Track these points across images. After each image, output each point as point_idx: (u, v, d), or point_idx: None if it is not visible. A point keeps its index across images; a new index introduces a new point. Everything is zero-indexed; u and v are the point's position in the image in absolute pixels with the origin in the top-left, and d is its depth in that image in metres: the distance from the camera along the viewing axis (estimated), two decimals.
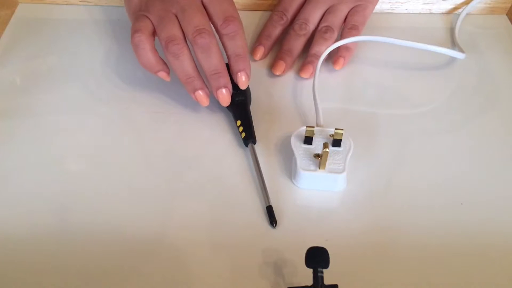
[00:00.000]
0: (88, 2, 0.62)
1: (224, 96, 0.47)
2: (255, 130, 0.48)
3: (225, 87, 0.47)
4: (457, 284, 0.40)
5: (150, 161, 0.47)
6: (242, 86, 0.48)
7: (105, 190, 0.45)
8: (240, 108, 0.49)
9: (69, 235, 0.42)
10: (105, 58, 0.56)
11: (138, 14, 0.47)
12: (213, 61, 0.46)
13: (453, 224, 0.43)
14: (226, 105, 0.48)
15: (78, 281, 0.39)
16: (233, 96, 0.48)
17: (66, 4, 0.62)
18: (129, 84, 0.53)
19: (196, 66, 0.47)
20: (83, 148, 0.48)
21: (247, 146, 0.47)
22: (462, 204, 0.44)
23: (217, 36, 0.47)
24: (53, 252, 0.41)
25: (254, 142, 0.47)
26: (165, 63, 0.48)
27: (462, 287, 0.40)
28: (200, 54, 0.45)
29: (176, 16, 0.46)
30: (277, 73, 0.54)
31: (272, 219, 0.42)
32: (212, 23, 0.47)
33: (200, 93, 0.47)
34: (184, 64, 0.46)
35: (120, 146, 0.48)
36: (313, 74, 0.52)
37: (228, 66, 0.48)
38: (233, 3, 0.48)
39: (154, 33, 0.47)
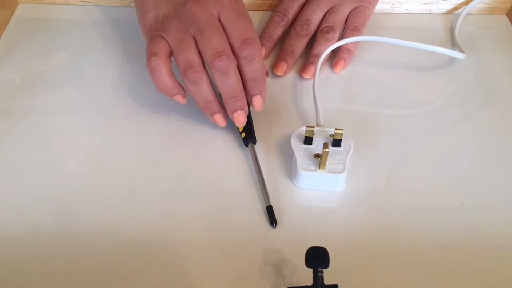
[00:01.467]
0: (88, 2, 0.62)
1: (240, 117, 0.46)
2: (255, 130, 0.48)
3: (242, 109, 0.46)
4: (457, 284, 0.40)
5: (150, 161, 0.47)
6: (257, 109, 0.47)
7: (105, 191, 0.45)
8: None
9: (69, 236, 0.42)
10: (105, 58, 0.56)
11: (154, 34, 0.46)
12: (231, 84, 0.45)
13: (453, 224, 0.43)
14: (242, 126, 0.47)
15: (78, 282, 0.39)
16: None
17: (66, 4, 0.62)
18: (129, 84, 0.53)
19: (214, 90, 0.46)
20: (83, 148, 0.48)
21: (247, 146, 0.47)
22: (462, 204, 0.44)
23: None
24: (53, 253, 0.41)
25: (254, 142, 0.47)
26: (181, 87, 0.46)
27: (462, 287, 0.40)
28: (218, 78, 0.44)
29: (194, 37, 0.45)
30: (279, 74, 0.54)
31: (272, 219, 0.42)
32: (229, 43, 0.45)
33: (218, 117, 0.47)
34: (203, 91, 0.45)
35: (120, 146, 0.48)
36: (314, 74, 0.52)
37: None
38: (251, 22, 0.46)
39: (170, 54, 0.45)
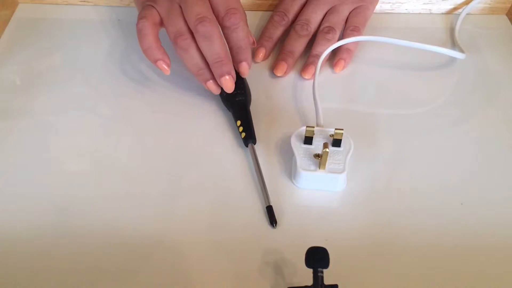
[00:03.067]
0: (87, 2, 0.62)
1: (228, 82, 0.47)
2: (255, 130, 0.48)
3: (229, 74, 0.47)
4: (457, 284, 0.40)
5: (150, 161, 0.47)
6: (244, 74, 0.49)
7: (105, 190, 0.45)
8: (240, 108, 0.49)
9: (69, 236, 0.42)
10: (105, 58, 0.56)
11: (146, 4, 0.48)
12: (215, 49, 0.46)
13: (453, 224, 0.43)
14: (230, 91, 0.48)
15: (77, 282, 0.39)
16: (233, 96, 0.49)
17: (66, 4, 0.62)
18: (129, 84, 0.53)
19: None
20: (82, 148, 0.48)
21: (247, 146, 0.47)
22: (462, 204, 0.44)
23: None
24: (52, 253, 0.41)
25: (254, 142, 0.47)
26: (166, 54, 0.48)
27: (462, 287, 0.40)
28: (202, 42, 0.46)
29: (180, 6, 0.46)
30: (279, 75, 0.54)
31: (272, 219, 0.42)
32: (214, 14, 0.46)
33: (212, 83, 0.48)
34: (194, 57, 0.47)
35: (120, 146, 0.48)
36: (314, 74, 0.52)
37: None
38: None
39: (160, 24, 0.47)
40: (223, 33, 0.47)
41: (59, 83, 0.53)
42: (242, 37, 0.47)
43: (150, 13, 0.47)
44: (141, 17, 0.46)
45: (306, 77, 0.54)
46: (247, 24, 0.48)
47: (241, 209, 0.44)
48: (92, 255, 0.41)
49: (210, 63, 0.47)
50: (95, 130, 0.50)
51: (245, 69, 0.49)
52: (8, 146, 0.48)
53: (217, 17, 0.46)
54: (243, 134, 0.47)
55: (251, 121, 0.48)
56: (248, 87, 0.51)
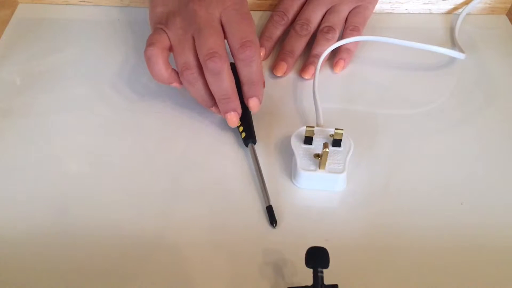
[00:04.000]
0: (88, 2, 0.62)
1: (233, 118, 0.47)
2: (255, 130, 0.48)
3: (234, 110, 0.46)
4: (457, 284, 0.40)
5: (150, 161, 0.47)
6: (253, 109, 0.48)
7: (105, 191, 0.45)
8: (243, 107, 0.49)
9: (69, 236, 0.42)
10: (105, 58, 0.56)
11: (157, 26, 0.46)
12: (223, 86, 0.45)
13: (453, 224, 0.43)
14: (234, 126, 0.47)
15: (77, 283, 0.39)
16: None
17: (66, 4, 0.62)
18: (129, 85, 0.53)
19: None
20: (83, 148, 0.48)
21: (247, 146, 0.47)
22: (462, 204, 0.44)
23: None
24: (52, 253, 0.41)
25: (254, 142, 0.47)
26: (177, 77, 0.47)
27: (462, 287, 0.40)
28: (210, 78, 0.45)
29: (193, 37, 0.45)
30: (279, 75, 0.54)
31: (272, 219, 0.42)
32: (229, 44, 0.46)
33: (215, 109, 0.48)
34: (199, 91, 0.47)
35: (120, 146, 0.48)
36: (314, 74, 0.52)
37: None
38: (252, 25, 0.46)
39: (169, 49, 0.46)
40: (236, 64, 0.46)
41: (59, 83, 0.53)
42: (255, 71, 0.46)
43: (160, 39, 0.45)
44: (149, 44, 0.45)
45: (305, 77, 0.54)
46: (260, 58, 0.47)
47: (241, 209, 0.44)
48: (92, 255, 0.41)
49: (216, 98, 0.46)
50: (95, 130, 0.50)
51: (255, 105, 0.47)
52: (8, 146, 0.48)
53: (231, 47, 0.45)
54: (243, 134, 0.47)
55: (251, 121, 0.48)
56: None
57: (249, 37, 0.45)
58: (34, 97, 0.52)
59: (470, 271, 0.40)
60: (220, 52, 0.44)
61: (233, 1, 0.46)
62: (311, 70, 0.53)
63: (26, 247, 0.41)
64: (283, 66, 0.54)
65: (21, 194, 0.44)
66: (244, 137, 0.47)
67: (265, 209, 0.43)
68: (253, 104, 0.47)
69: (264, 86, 0.49)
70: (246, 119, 0.48)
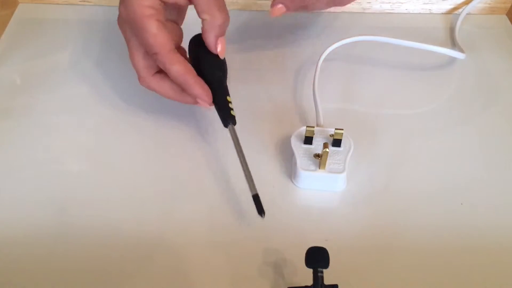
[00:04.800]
0: (88, 2, 0.62)
1: (204, 98, 0.44)
2: (255, 129, 0.48)
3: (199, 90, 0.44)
4: (457, 284, 0.40)
5: (150, 161, 0.47)
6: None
7: (105, 191, 0.45)
8: (215, 86, 0.44)
9: (68, 237, 0.42)
10: (105, 58, 0.56)
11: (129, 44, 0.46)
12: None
13: (453, 224, 0.43)
14: (209, 106, 0.44)
15: (77, 283, 0.39)
16: (210, 74, 0.44)
17: (66, 4, 0.62)
18: (128, 85, 0.53)
19: (171, 84, 0.45)
20: (82, 148, 0.48)
21: (226, 127, 0.44)
22: (462, 204, 0.44)
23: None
24: (52, 253, 0.41)
25: (234, 122, 0.43)
26: (182, 94, 0.45)
27: (462, 287, 0.40)
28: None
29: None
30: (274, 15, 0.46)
31: (259, 209, 0.39)
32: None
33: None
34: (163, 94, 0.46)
35: (120, 147, 0.48)
36: (315, 75, 0.50)
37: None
38: None
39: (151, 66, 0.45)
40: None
41: (59, 83, 0.53)
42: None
43: (143, 66, 0.44)
44: (138, 77, 0.45)
45: (272, 15, 0.47)
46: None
47: (241, 209, 0.44)
48: (91, 256, 0.41)
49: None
50: (95, 130, 0.50)
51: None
52: (8, 146, 0.48)
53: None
54: (220, 115, 0.44)
55: (228, 98, 0.44)
56: (225, 61, 0.45)
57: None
58: (34, 97, 0.52)
59: (470, 271, 0.40)
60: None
61: None
62: (280, 8, 0.46)
63: (26, 247, 0.41)
64: (280, 9, 0.46)
65: (20, 194, 0.44)
66: (221, 117, 0.43)
67: (255, 200, 0.40)
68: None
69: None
70: (222, 96, 0.44)
